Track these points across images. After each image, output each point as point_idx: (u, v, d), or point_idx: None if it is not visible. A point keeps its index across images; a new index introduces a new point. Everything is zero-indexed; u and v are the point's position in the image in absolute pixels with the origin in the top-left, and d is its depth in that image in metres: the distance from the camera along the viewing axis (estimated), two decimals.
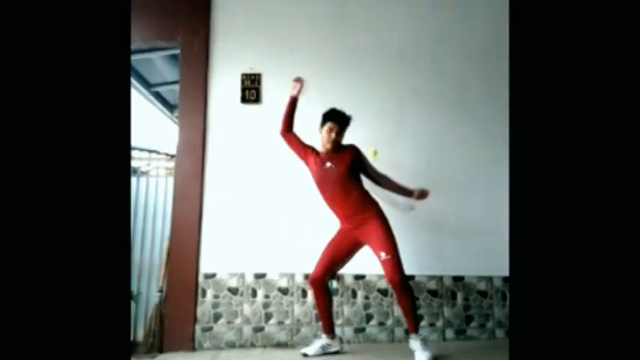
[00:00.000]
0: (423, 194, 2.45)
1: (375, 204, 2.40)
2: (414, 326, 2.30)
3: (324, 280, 2.40)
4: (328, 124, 2.40)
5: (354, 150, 2.43)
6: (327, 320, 2.45)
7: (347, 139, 2.61)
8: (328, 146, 2.40)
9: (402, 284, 2.23)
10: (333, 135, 2.38)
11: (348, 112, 2.48)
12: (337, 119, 2.41)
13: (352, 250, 2.43)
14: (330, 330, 2.45)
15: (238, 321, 2.78)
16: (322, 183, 2.41)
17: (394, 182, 2.46)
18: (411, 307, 2.29)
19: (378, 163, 2.52)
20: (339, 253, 2.41)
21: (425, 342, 2.29)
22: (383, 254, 2.25)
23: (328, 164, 2.39)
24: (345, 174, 2.36)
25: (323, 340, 2.44)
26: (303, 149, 2.50)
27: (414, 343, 2.29)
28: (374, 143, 2.56)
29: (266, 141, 2.99)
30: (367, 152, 2.48)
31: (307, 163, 2.49)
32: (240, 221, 2.89)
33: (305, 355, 2.39)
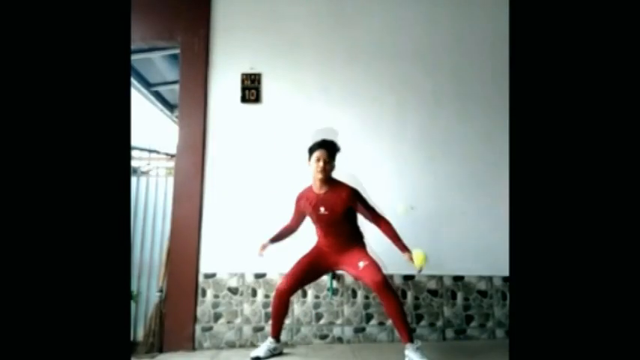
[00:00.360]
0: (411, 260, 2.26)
1: (362, 238, 2.47)
2: (407, 334, 2.21)
3: (290, 294, 2.40)
4: (315, 154, 2.34)
5: (350, 196, 2.34)
6: (279, 327, 2.46)
7: (349, 140, 2.61)
8: (319, 176, 2.32)
9: (387, 285, 2.20)
10: (321, 164, 2.31)
11: (348, 110, 2.48)
12: (323, 147, 2.35)
13: (325, 272, 2.50)
14: (278, 335, 2.46)
15: (238, 321, 2.78)
16: (317, 223, 2.44)
17: (393, 229, 2.34)
18: (400, 310, 2.21)
19: (382, 168, 2.52)
20: (314, 271, 2.44)
21: (422, 353, 2.17)
22: (362, 263, 2.28)
23: (322, 210, 2.35)
24: (338, 219, 2.35)
25: (271, 343, 2.43)
26: (301, 210, 2.47)
27: (411, 354, 2.17)
28: (374, 142, 2.57)
29: (266, 141, 2.99)
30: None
31: (307, 214, 2.48)
32: (240, 221, 2.89)
33: (258, 358, 2.36)
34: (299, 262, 2.41)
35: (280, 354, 2.46)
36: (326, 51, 3.10)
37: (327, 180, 2.36)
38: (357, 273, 2.31)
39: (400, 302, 2.27)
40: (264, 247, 2.47)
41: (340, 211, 2.33)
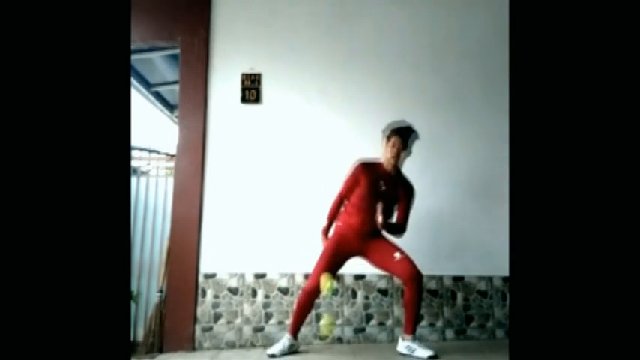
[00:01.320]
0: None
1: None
2: (413, 327, 2.37)
3: (319, 292, 2.39)
4: (392, 140, 2.46)
5: (413, 190, 2.52)
6: (300, 326, 2.46)
7: (348, 141, 2.60)
8: (392, 161, 2.46)
9: (421, 281, 2.32)
10: (395, 150, 2.45)
11: (347, 111, 2.48)
12: (399, 134, 2.46)
13: (348, 257, 2.48)
14: (297, 333, 2.46)
15: (238, 321, 2.78)
16: (368, 196, 2.42)
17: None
18: (419, 305, 2.38)
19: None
20: (338, 262, 2.44)
21: (419, 342, 2.37)
22: (397, 254, 2.36)
23: (383, 187, 2.43)
24: (390, 204, 2.46)
25: (289, 340, 2.42)
26: (358, 179, 2.46)
27: (413, 344, 2.33)
28: (375, 142, 2.57)
29: (266, 141, 2.99)
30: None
31: (358, 185, 2.46)
32: (240, 221, 2.89)
33: (273, 355, 2.36)
34: (323, 257, 2.41)
35: (296, 352, 2.45)
36: (326, 51, 3.10)
37: (397, 166, 2.51)
38: (391, 263, 2.37)
39: (421, 299, 2.42)
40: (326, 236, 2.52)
41: (395, 198, 2.47)
